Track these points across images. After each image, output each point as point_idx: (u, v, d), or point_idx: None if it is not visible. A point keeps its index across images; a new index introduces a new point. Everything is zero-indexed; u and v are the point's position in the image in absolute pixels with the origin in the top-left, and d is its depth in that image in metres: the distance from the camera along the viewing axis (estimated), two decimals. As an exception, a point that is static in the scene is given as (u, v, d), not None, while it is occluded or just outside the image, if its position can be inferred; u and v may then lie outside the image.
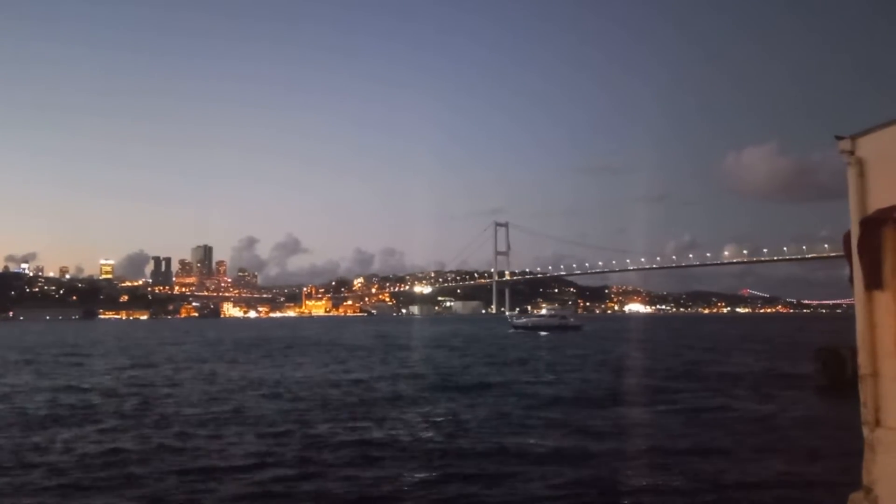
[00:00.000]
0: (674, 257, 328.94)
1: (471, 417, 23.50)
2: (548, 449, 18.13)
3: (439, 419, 23.23)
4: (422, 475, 15.42)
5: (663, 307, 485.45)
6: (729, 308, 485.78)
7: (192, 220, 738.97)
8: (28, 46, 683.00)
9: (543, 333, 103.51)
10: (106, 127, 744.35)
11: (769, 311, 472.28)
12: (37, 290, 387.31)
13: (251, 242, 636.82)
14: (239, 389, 32.58)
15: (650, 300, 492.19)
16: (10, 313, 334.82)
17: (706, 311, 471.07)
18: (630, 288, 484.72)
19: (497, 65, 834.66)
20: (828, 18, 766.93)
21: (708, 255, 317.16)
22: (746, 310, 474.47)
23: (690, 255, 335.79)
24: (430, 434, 20.49)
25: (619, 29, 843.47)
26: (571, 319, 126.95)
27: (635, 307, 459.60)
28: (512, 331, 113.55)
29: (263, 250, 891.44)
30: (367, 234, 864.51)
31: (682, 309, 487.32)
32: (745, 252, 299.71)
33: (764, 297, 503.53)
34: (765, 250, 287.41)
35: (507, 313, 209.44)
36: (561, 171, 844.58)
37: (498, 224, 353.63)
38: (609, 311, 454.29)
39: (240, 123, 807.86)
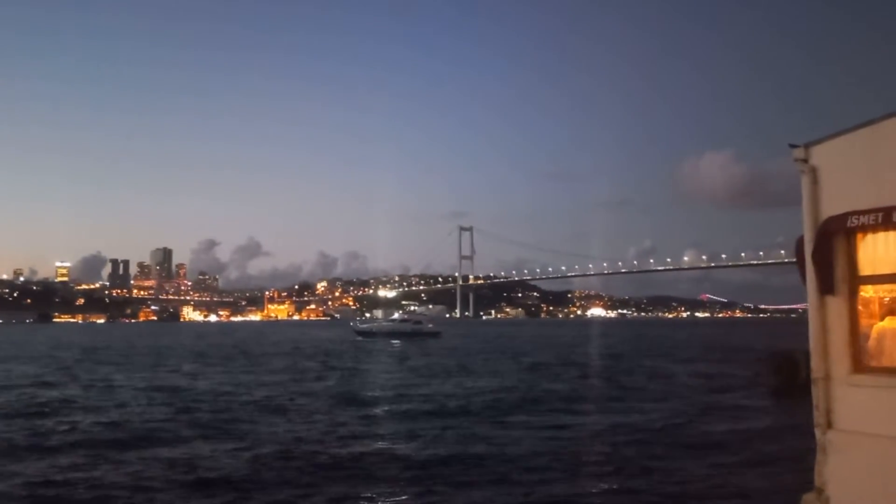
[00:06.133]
0: (635, 262, 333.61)
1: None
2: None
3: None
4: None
5: (625, 311, 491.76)
6: (689, 313, 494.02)
7: (151, 222, 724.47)
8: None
9: (395, 341, 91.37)
10: (61, 126, 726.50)
11: (727, 315, 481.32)
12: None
13: (211, 245, 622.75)
14: None
15: (612, 305, 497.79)
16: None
17: (669, 316, 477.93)
18: (592, 293, 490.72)
19: (459, 70, 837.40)
20: (787, 27, 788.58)
21: (668, 260, 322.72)
22: (705, 314, 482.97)
23: (651, 261, 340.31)
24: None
25: (581, 36, 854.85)
26: (430, 325, 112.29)
27: (597, 312, 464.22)
28: (359, 338, 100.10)
29: (224, 253, 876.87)
30: (331, 237, 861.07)
31: (643, 313, 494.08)
32: (703, 258, 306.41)
33: (722, 301, 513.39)
34: (723, 256, 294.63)
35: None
36: (524, 175, 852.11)
37: (462, 228, 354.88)
38: (572, 316, 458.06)
39: (198, 125, 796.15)
